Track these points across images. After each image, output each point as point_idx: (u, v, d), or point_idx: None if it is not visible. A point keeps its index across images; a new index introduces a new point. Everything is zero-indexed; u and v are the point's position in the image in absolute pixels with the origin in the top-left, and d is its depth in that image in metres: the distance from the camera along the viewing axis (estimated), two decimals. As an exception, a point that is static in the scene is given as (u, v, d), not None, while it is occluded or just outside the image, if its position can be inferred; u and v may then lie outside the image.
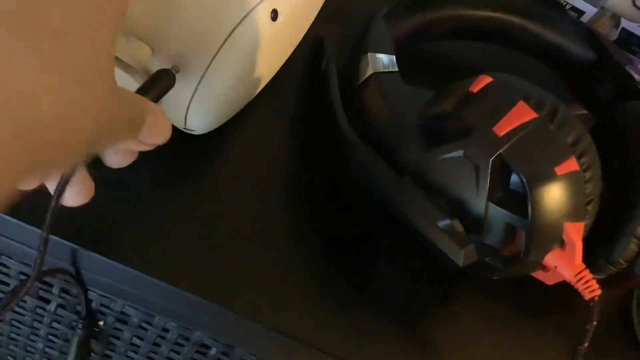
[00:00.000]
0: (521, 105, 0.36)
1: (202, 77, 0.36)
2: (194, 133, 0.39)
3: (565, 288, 0.39)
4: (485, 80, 0.37)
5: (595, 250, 0.41)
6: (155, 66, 0.35)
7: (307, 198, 0.43)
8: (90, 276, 0.38)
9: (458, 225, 0.36)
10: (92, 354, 0.46)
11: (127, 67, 0.34)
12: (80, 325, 0.42)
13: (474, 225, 0.36)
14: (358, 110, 0.42)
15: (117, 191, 0.38)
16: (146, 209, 0.38)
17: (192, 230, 0.38)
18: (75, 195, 0.28)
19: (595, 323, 0.36)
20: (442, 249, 0.36)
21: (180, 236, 0.38)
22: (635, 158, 0.44)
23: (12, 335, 0.48)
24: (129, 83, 0.34)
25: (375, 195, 0.39)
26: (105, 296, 0.40)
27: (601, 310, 0.37)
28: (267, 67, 0.41)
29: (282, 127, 0.45)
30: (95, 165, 0.28)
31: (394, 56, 0.43)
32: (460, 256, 0.35)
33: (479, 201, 0.36)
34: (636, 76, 0.50)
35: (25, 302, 0.43)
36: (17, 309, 0.44)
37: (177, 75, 0.35)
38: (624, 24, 0.62)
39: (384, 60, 0.42)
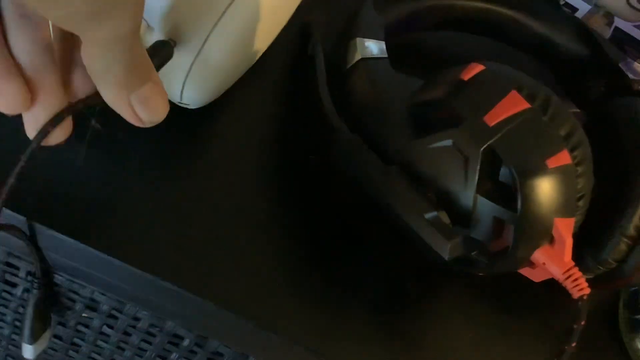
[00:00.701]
0: (513, 94, 0.34)
1: (200, 49, 0.35)
2: (188, 107, 0.38)
3: (550, 286, 0.38)
4: (476, 68, 0.36)
5: (584, 249, 0.40)
6: (152, 39, 0.34)
7: (289, 186, 0.41)
8: (59, 260, 0.36)
9: (445, 217, 0.35)
10: (60, 341, 0.44)
11: None
12: (35, 285, 0.39)
13: (461, 218, 0.35)
14: (344, 96, 0.41)
15: (91, 173, 0.36)
16: (120, 192, 0.36)
17: (168, 216, 0.36)
18: (61, 132, 0.28)
19: (583, 323, 0.35)
20: (428, 241, 0.35)
21: (155, 221, 0.36)
22: (626, 156, 0.43)
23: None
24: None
25: (360, 185, 0.38)
26: (74, 281, 0.38)
27: (587, 311, 0.36)
28: (263, 38, 0.40)
29: (266, 113, 0.44)
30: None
31: (384, 42, 0.41)
32: (446, 249, 0.34)
33: (467, 193, 0.34)
34: (630, 75, 0.49)
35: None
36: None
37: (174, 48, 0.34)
38: (618, 22, 0.61)
39: (373, 46, 0.41)
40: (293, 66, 0.46)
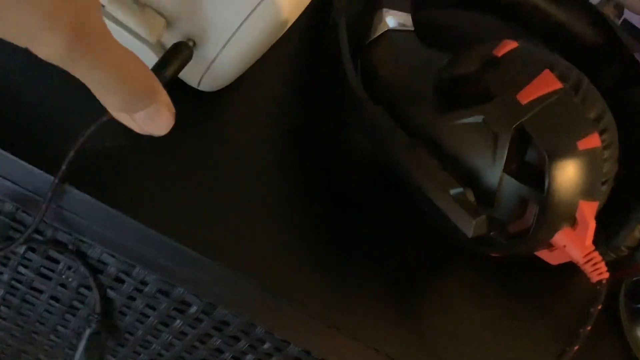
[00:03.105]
0: (546, 73, 0.34)
1: (221, 51, 0.33)
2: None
3: (558, 270, 0.38)
4: (510, 45, 0.35)
5: (596, 235, 0.40)
6: (169, 38, 0.33)
7: (306, 157, 0.40)
8: (69, 216, 0.35)
9: (470, 195, 0.34)
10: (57, 304, 0.43)
11: (142, 39, 0.32)
12: (95, 320, 0.41)
13: (485, 196, 0.35)
14: (368, 68, 0.40)
15: (107, 130, 0.35)
16: (139, 153, 0.35)
17: (185, 180, 0.35)
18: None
19: (600, 307, 0.35)
20: (452, 218, 0.34)
21: (173, 185, 0.35)
22: (642, 145, 0.43)
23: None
24: (147, 57, 0.33)
25: (382, 158, 0.37)
26: (83, 241, 0.37)
27: (588, 298, 0.36)
28: (284, 25, 0.39)
29: (286, 84, 0.42)
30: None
31: (410, 15, 0.40)
32: (471, 227, 0.34)
33: (493, 171, 0.34)
34: (641, 66, 0.49)
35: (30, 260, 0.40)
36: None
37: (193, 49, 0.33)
38: (627, 15, 0.61)
39: (400, 18, 0.40)
40: (314, 36, 0.45)
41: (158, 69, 0.31)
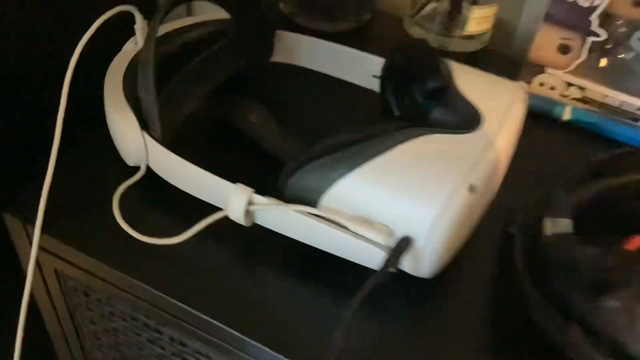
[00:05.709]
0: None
1: (427, 243, 0.45)
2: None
3: None
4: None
5: None
6: (391, 239, 0.45)
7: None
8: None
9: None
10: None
11: (379, 245, 0.46)
12: None
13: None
14: (540, 265, 0.49)
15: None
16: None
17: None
18: None
19: None
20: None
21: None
22: None
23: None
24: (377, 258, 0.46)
25: (550, 338, 0.45)
26: None
27: None
28: (466, 233, 0.51)
29: (475, 285, 0.53)
30: None
31: (571, 220, 0.49)
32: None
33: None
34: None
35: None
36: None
37: None
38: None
39: (561, 224, 0.49)
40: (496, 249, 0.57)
41: (391, 260, 0.43)
